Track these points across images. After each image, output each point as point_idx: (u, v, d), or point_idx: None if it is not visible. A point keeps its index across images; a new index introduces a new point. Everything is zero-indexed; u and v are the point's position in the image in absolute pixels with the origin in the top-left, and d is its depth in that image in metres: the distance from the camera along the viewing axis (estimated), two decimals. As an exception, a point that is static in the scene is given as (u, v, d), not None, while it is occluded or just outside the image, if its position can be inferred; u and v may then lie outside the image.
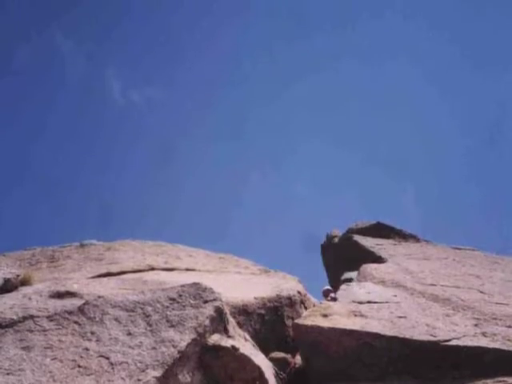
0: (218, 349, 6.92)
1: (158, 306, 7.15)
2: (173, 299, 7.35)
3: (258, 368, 7.25)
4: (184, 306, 7.13)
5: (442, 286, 9.91)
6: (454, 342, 7.63)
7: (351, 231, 15.82)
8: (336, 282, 12.22)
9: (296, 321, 8.47)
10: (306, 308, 9.84)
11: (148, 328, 6.79)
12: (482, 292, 9.75)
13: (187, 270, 8.81)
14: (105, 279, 8.42)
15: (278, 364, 8.30)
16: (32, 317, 7.27)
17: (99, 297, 7.40)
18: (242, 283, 9.31)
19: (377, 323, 8.09)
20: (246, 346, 7.43)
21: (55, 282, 8.54)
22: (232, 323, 7.55)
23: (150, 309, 7.10)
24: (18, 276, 8.76)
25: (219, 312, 7.22)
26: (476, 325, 8.20)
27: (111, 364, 6.28)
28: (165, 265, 9.28)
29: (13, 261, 9.75)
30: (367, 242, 13.63)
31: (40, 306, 7.51)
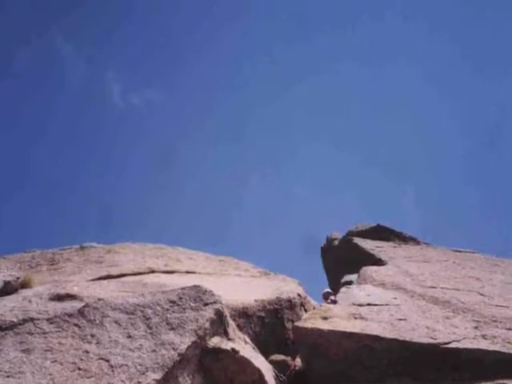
0: (218, 351, 6.92)
1: (158, 308, 7.15)
2: (173, 302, 7.35)
3: (258, 371, 7.25)
4: (184, 309, 7.13)
5: (442, 288, 9.91)
6: (454, 345, 7.62)
7: (351, 234, 15.83)
8: (336, 285, 12.21)
9: (296, 323, 8.47)
10: (306, 311, 9.84)
11: (148, 331, 6.79)
12: (482, 294, 9.75)
13: (187, 272, 8.81)
14: (105, 282, 8.43)
15: (278, 366, 8.29)
16: (32, 319, 7.27)
17: (99, 299, 7.40)
18: (242, 286, 9.31)
19: (377, 326, 8.08)
20: (246, 349, 7.43)
21: (55, 284, 8.54)
22: (232, 326, 7.55)
23: (150, 311, 7.10)
24: (18, 278, 8.76)
25: (219, 315, 7.23)
26: (476, 327, 8.19)
27: (111, 367, 6.28)
28: (165, 267, 9.28)
29: (13, 263, 9.75)
30: (367, 244, 13.64)
31: (40, 308, 7.51)
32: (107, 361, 6.37)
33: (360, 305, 9.03)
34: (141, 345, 6.54)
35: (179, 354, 6.43)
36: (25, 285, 8.71)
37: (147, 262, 9.57)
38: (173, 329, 6.81)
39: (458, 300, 9.29)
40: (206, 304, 7.23)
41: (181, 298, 7.31)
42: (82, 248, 10.70)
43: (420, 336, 7.79)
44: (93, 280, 8.73)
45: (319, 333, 8.02)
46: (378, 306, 8.98)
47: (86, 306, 7.35)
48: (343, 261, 14.41)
